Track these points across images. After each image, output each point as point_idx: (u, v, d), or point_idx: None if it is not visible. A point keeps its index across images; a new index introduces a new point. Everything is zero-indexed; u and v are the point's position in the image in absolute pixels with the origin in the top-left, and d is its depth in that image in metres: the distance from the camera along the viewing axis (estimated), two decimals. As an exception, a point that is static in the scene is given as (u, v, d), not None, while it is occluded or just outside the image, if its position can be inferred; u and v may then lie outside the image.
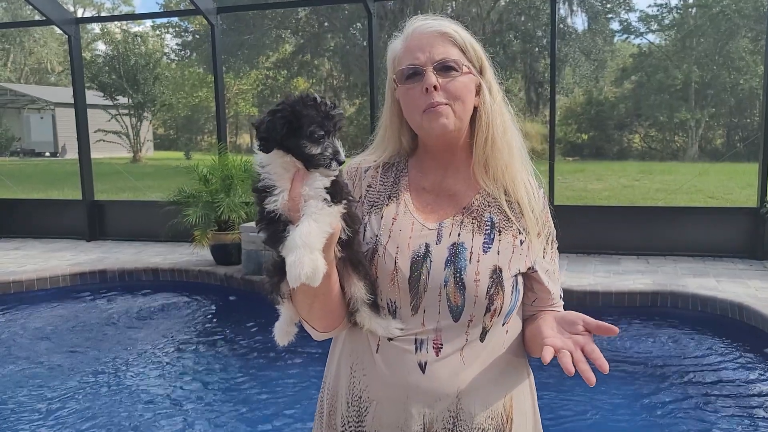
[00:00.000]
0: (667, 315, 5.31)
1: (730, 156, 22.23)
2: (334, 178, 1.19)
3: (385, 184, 1.44)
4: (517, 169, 1.39)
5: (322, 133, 1.15)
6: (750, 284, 5.65)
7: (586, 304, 5.44)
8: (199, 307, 6.19)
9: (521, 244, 1.35)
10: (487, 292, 1.29)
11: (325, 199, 1.16)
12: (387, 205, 1.40)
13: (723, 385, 4.13)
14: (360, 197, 1.43)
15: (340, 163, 1.17)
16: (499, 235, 1.34)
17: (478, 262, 1.30)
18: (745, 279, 5.84)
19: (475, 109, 1.39)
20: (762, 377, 4.25)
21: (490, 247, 1.32)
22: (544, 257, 1.41)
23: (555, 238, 1.45)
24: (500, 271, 1.31)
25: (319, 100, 1.17)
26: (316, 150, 1.15)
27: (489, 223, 1.35)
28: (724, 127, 28.18)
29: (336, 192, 1.18)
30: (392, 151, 1.47)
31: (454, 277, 1.30)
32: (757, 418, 3.70)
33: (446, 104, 1.33)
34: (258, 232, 1.23)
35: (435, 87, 1.32)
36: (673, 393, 4.03)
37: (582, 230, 6.92)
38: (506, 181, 1.38)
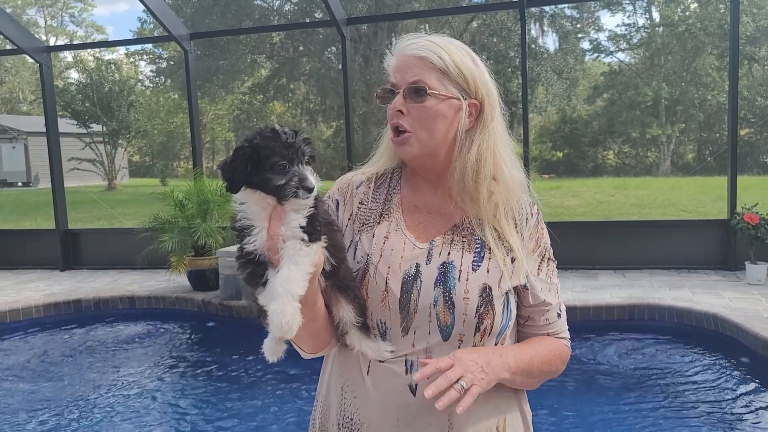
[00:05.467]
0: (645, 327, 5.36)
1: (701, 170, 22.69)
2: (311, 213, 1.16)
3: (377, 201, 1.42)
4: (496, 195, 1.36)
5: (284, 162, 1.13)
6: (724, 295, 5.73)
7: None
8: (177, 334, 6.10)
9: (512, 261, 1.33)
10: (476, 311, 1.28)
11: (302, 239, 1.13)
12: (379, 223, 1.39)
13: (700, 394, 4.17)
14: (351, 215, 1.42)
15: (309, 189, 1.14)
16: (489, 252, 1.33)
17: (467, 280, 1.29)
18: (719, 290, 5.93)
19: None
20: (738, 385, 4.30)
21: (479, 266, 1.31)
22: (538, 274, 1.38)
23: (552, 256, 1.43)
24: (490, 289, 1.29)
25: (278, 129, 1.15)
26: (281, 181, 1.13)
27: (479, 242, 1.34)
28: (695, 142, 28.74)
29: (313, 229, 1.15)
30: (387, 161, 1.47)
31: (443, 296, 1.29)
32: (734, 425, 3.74)
33: (409, 133, 1.32)
34: (237, 270, 1.22)
35: (401, 111, 1.32)
36: (651, 404, 4.06)
37: (559, 246, 6.86)
38: (483, 206, 1.35)
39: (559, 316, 1.43)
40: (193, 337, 6.09)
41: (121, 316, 6.45)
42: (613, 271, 6.94)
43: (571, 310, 5.47)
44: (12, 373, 5.14)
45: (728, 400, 4.10)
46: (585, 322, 5.44)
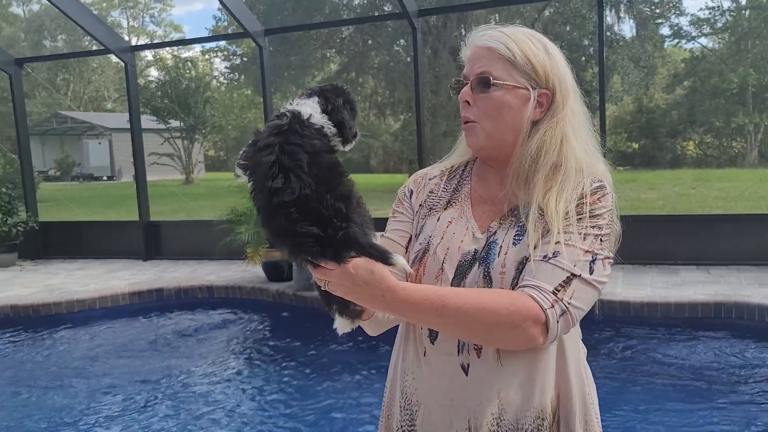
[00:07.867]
0: (731, 326, 5.10)
1: (793, 161, 21.32)
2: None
3: (447, 190, 1.46)
4: (552, 180, 1.30)
5: None
6: (820, 293, 5.38)
7: (644, 315, 5.29)
8: (253, 323, 6.29)
9: (546, 234, 1.25)
10: (511, 283, 1.26)
11: None
12: (445, 209, 1.42)
13: (795, 400, 3.93)
14: (421, 203, 1.46)
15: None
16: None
17: (506, 254, 1.29)
18: (815, 288, 5.57)
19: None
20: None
21: (520, 239, 1.29)
22: (564, 229, 1.25)
23: (600, 224, 1.26)
24: (527, 260, 1.26)
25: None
26: None
27: (524, 219, 1.32)
28: (785, 131, 27.07)
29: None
30: (461, 154, 1.50)
31: (483, 273, 1.29)
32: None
33: (475, 122, 1.34)
34: None
35: (468, 102, 1.34)
36: (737, 407, 3.86)
37: (637, 241, 6.70)
38: (535, 190, 1.31)
39: (546, 259, 1.23)
40: (268, 326, 6.27)
41: (201, 305, 6.71)
42: (695, 267, 6.63)
43: (650, 307, 5.31)
44: (99, 356, 5.43)
45: (825, 405, 3.85)
46: (666, 320, 5.24)
